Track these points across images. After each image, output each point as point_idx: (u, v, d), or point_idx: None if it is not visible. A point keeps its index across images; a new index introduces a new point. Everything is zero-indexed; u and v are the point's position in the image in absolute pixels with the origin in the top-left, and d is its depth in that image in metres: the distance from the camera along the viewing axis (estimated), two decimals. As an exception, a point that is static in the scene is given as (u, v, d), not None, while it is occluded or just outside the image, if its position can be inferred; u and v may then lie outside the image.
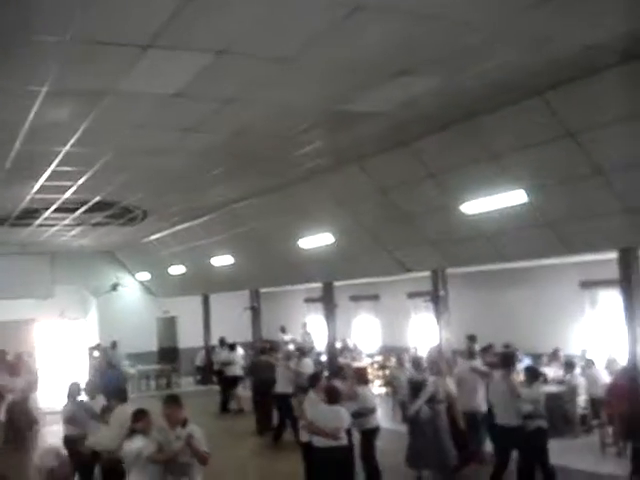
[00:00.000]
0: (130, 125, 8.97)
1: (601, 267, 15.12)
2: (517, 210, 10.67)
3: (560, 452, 12.27)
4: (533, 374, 10.52)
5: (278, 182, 13.51)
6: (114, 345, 23.01)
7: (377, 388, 20.29)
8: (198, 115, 8.61)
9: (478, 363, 12.16)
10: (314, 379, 10.60)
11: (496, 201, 10.78)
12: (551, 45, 7.11)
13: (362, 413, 10.24)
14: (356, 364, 21.15)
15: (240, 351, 21.73)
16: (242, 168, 11.95)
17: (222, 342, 21.67)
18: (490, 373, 11.61)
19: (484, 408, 11.59)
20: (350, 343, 23.17)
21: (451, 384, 11.58)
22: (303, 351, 17.54)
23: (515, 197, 10.47)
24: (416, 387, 11.25)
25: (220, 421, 18.49)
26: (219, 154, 10.75)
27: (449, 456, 10.78)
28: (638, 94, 8.02)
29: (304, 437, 9.68)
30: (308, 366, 15.55)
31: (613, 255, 11.15)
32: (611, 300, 15.98)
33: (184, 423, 7.71)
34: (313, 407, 9.58)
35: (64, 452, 7.04)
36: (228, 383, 20.20)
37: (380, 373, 20.98)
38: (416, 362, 13.96)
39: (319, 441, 9.19)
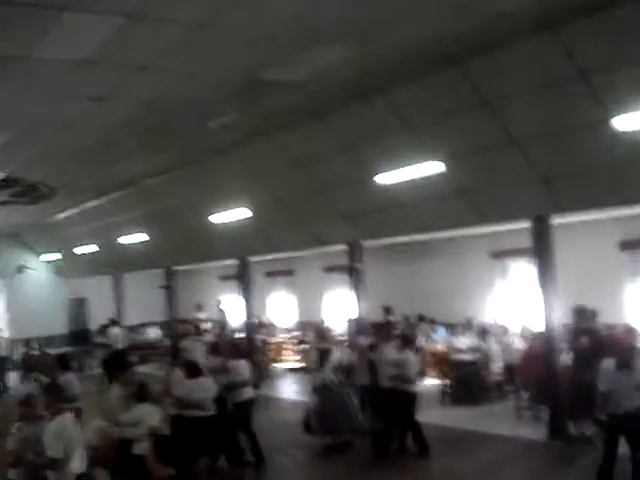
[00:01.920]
0: (38, 94, 8.54)
1: (510, 237, 15.43)
2: (432, 180, 10.75)
3: (477, 418, 12.55)
4: (404, 341, 10.78)
5: (192, 156, 13.23)
6: None
7: (293, 363, 20.36)
8: (109, 84, 8.28)
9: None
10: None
11: (411, 172, 10.81)
12: (465, 13, 7.12)
13: (233, 386, 10.30)
14: (273, 340, 21.13)
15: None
16: (154, 141, 11.61)
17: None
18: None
19: None
20: (266, 319, 23.06)
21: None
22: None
23: (430, 167, 10.53)
24: (322, 356, 11.46)
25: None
26: (130, 126, 10.41)
27: (356, 421, 11.03)
28: (552, 64, 8.15)
29: (172, 410, 9.76)
30: None
31: (522, 225, 11.35)
32: (521, 269, 16.37)
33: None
34: (179, 383, 9.66)
35: None
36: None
37: (298, 348, 20.99)
38: (320, 332, 14.39)
39: (189, 413, 9.36)
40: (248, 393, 10.52)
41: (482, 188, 10.65)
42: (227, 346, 12.18)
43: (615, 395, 7.80)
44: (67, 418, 6.89)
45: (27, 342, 19.56)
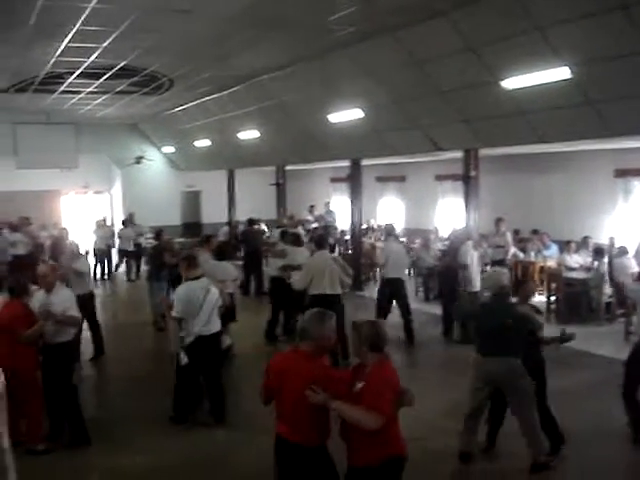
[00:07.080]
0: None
1: (637, 155, 14.67)
2: (558, 87, 10.16)
3: (582, 337, 12.16)
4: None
5: (308, 52, 12.98)
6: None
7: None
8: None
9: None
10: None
11: (537, 77, 10.25)
12: None
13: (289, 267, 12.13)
14: (379, 244, 21.06)
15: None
16: (272, 34, 11.41)
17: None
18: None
19: None
20: (374, 224, 23.03)
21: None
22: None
23: (558, 73, 9.94)
24: None
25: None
26: (248, 17, 10.22)
27: None
28: None
29: None
30: None
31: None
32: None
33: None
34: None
35: None
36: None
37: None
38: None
39: None
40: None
41: (612, 98, 9.99)
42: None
43: None
44: (196, 284, 7.88)
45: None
